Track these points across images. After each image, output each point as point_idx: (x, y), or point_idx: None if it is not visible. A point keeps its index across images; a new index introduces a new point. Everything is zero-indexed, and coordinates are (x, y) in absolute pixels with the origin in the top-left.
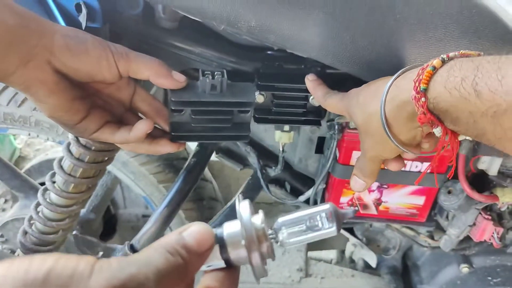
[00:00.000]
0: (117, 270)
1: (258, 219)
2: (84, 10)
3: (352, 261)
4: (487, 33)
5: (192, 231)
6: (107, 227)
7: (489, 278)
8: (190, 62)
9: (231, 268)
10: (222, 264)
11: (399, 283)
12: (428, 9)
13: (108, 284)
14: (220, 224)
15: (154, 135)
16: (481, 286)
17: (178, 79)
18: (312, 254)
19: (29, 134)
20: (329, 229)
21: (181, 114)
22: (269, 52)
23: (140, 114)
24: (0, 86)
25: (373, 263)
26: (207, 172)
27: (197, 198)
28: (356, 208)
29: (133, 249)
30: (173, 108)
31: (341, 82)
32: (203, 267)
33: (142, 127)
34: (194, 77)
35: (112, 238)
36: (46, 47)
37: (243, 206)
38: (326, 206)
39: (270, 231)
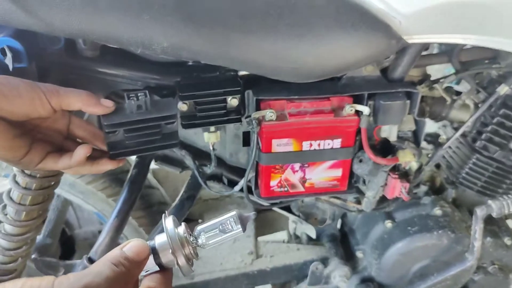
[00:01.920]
0: (74, 282)
1: (181, 229)
2: (8, 54)
3: (296, 237)
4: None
5: (131, 246)
6: (65, 249)
7: (409, 228)
8: (116, 84)
9: (164, 270)
10: (156, 268)
11: (338, 247)
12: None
13: None
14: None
15: (94, 156)
16: (403, 236)
17: (107, 105)
18: (264, 238)
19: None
20: (237, 230)
21: (115, 134)
22: (187, 65)
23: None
24: None
25: (313, 234)
26: (152, 179)
27: (146, 205)
28: (255, 212)
29: (91, 261)
30: (106, 131)
31: (255, 81)
32: (142, 273)
33: (81, 152)
34: (122, 97)
35: (72, 258)
36: None
37: (168, 221)
38: (233, 212)
39: (191, 238)
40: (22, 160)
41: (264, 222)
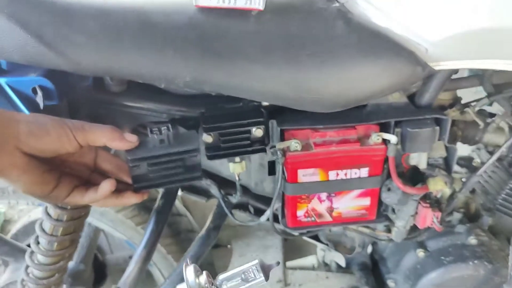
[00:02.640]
0: None
1: (203, 279)
2: (39, 92)
3: (326, 264)
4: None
5: None
6: (98, 274)
7: (443, 257)
8: (143, 117)
9: None
10: None
11: (369, 276)
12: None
13: None
14: (195, 254)
15: (119, 189)
16: (437, 266)
17: (131, 140)
18: (292, 263)
19: (9, 202)
20: (259, 279)
21: (139, 167)
22: (211, 96)
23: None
24: None
25: (342, 263)
26: (180, 206)
27: (174, 233)
28: (278, 262)
29: None
30: (130, 165)
31: (279, 111)
32: None
33: (106, 186)
34: (146, 131)
35: (104, 283)
36: (13, 135)
37: (188, 271)
38: (255, 261)
39: (213, 287)
40: (51, 195)
41: (293, 247)
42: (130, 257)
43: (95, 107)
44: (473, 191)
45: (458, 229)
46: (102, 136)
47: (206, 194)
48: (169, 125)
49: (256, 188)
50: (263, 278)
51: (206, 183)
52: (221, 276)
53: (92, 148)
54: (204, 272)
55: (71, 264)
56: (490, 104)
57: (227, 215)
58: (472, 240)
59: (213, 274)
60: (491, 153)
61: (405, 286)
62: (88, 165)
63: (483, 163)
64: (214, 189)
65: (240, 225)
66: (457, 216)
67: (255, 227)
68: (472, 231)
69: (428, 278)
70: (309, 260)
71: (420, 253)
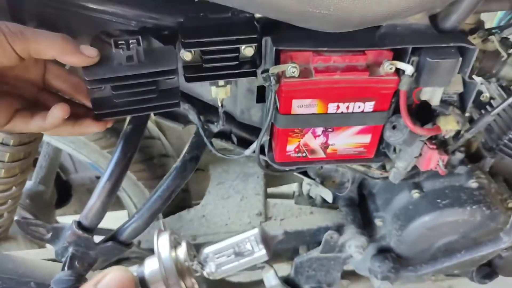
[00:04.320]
0: None
1: (181, 252)
2: None
3: (310, 197)
4: None
5: (109, 281)
6: (61, 194)
7: (438, 200)
8: (105, 23)
9: None
10: None
11: (356, 213)
12: None
13: None
14: (167, 188)
15: (76, 114)
16: (431, 209)
17: (89, 55)
18: (274, 190)
19: None
20: (259, 253)
21: (101, 89)
22: (193, 2)
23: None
24: None
25: (329, 199)
26: (154, 128)
27: (146, 158)
28: (283, 232)
29: (81, 226)
30: (89, 87)
31: (274, 27)
32: None
33: (57, 113)
34: (109, 43)
35: (68, 203)
36: None
37: (161, 242)
38: (255, 230)
39: (195, 264)
40: None
41: (275, 175)
42: (97, 177)
43: (44, 6)
44: None
45: (459, 170)
46: (50, 47)
47: (183, 120)
48: (139, 38)
49: (242, 116)
50: (264, 252)
51: (183, 107)
52: (207, 250)
53: (39, 60)
54: (184, 243)
55: (29, 184)
56: None
57: (206, 146)
58: (473, 184)
59: (188, 200)
60: (503, 88)
61: (393, 226)
62: (34, 82)
63: (491, 98)
64: (192, 115)
65: (219, 149)
66: (458, 156)
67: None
68: (473, 174)
69: (421, 221)
70: (290, 188)
71: (415, 194)
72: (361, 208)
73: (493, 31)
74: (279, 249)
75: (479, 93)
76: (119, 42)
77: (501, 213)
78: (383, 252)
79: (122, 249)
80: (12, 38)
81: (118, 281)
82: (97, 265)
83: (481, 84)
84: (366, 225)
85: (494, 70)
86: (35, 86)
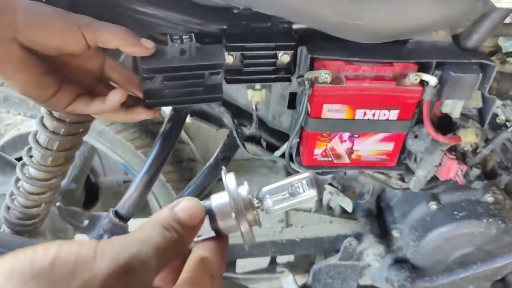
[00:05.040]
0: (119, 251)
1: (244, 190)
2: None
3: (329, 208)
4: None
5: (184, 206)
6: (89, 195)
7: (455, 212)
8: (156, 27)
9: (220, 237)
10: (212, 234)
11: (374, 224)
12: None
13: (112, 264)
14: (200, 184)
15: (128, 104)
16: (448, 221)
17: (147, 46)
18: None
19: None
20: (310, 194)
21: (152, 81)
22: (235, 11)
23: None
24: None
25: (349, 208)
26: (183, 134)
27: (176, 160)
28: (332, 176)
29: (118, 215)
30: (144, 75)
31: (309, 38)
32: (195, 239)
33: (115, 97)
34: (162, 42)
35: (95, 205)
36: (9, 24)
37: (229, 179)
38: (306, 174)
39: (255, 200)
40: (51, 101)
41: None
42: (124, 182)
43: (102, 8)
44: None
45: (475, 185)
46: (114, 37)
47: (217, 123)
48: (192, 35)
49: (272, 121)
50: (314, 193)
51: (219, 110)
52: (265, 189)
53: (99, 53)
54: (245, 183)
55: (62, 182)
56: None
57: (237, 148)
58: (489, 198)
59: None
60: None
61: (410, 237)
62: (93, 73)
63: (507, 121)
64: (227, 118)
65: (244, 160)
66: (475, 172)
67: (258, 164)
68: (489, 189)
69: (438, 231)
70: (308, 204)
71: (433, 206)
72: (378, 221)
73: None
74: (296, 259)
75: (495, 115)
76: (174, 37)
77: None
78: (400, 262)
79: None
80: (83, 28)
81: (191, 207)
82: None
83: (497, 108)
84: (383, 237)
85: (511, 91)
86: (94, 76)
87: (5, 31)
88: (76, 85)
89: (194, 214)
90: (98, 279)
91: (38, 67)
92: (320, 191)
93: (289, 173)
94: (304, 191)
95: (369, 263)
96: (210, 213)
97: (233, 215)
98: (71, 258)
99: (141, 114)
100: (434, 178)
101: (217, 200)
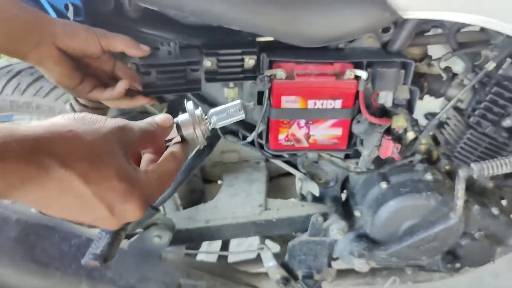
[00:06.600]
0: (119, 120)
1: (199, 111)
2: (70, 8)
3: (303, 196)
4: None
5: (160, 116)
6: None
7: (401, 189)
8: (154, 42)
9: (183, 142)
10: (178, 138)
11: (339, 206)
12: None
13: (115, 123)
14: (188, 165)
15: (131, 94)
16: (395, 196)
17: (144, 49)
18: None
19: (31, 118)
20: (241, 115)
21: (149, 76)
22: (212, 29)
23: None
24: (4, 79)
25: (316, 192)
26: None
27: None
28: (254, 103)
29: None
30: (142, 71)
31: (270, 47)
32: (169, 144)
33: (122, 85)
34: (156, 47)
35: None
36: (51, 33)
37: (189, 104)
38: (238, 101)
39: (206, 117)
40: (76, 88)
41: (277, 187)
42: None
43: (112, 26)
44: (437, 143)
45: (418, 167)
46: (121, 42)
47: None
48: (176, 41)
49: (246, 116)
50: (243, 114)
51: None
52: (212, 110)
53: (111, 58)
54: (199, 107)
55: None
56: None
57: (219, 137)
58: (428, 176)
59: (203, 200)
60: (456, 109)
61: (368, 214)
62: (107, 72)
63: (448, 118)
64: None
65: (232, 163)
66: (418, 157)
67: (244, 165)
68: (429, 170)
69: (387, 206)
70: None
71: (383, 185)
72: (344, 208)
73: (434, 59)
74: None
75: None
76: (163, 43)
77: (452, 200)
78: (361, 237)
79: (153, 212)
80: (100, 36)
81: (164, 116)
82: (131, 229)
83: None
84: (348, 219)
85: (442, 90)
86: (107, 74)
87: (48, 38)
88: (95, 79)
89: (165, 119)
90: (107, 128)
91: (69, 64)
92: (246, 113)
93: (269, 172)
94: (236, 113)
95: (334, 238)
96: (177, 125)
97: (191, 125)
98: (95, 116)
99: (141, 101)
100: (381, 161)
101: (182, 117)
